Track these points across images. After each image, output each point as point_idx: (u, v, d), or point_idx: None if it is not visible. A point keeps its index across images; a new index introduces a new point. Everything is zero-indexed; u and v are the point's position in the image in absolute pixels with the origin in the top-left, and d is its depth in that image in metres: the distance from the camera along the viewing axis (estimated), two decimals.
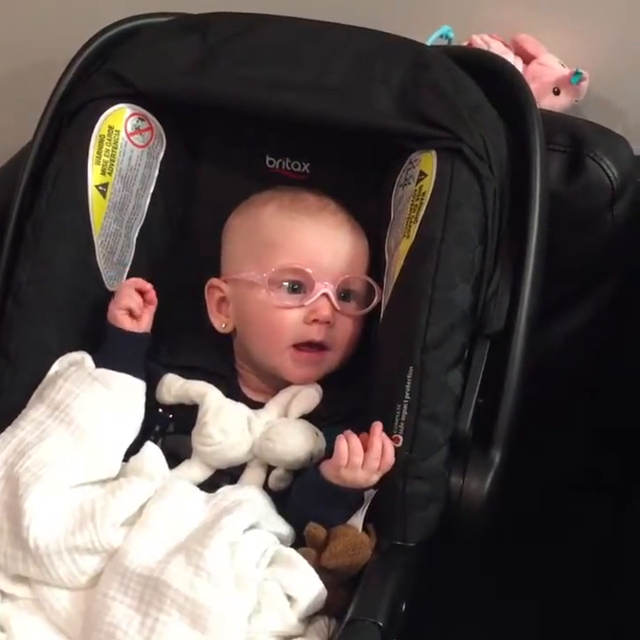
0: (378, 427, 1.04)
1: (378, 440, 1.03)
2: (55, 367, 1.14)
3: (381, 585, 0.99)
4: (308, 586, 1.00)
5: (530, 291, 1.12)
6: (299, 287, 1.15)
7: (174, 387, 1.15)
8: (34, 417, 1.08)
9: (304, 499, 1.07)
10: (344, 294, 1.17)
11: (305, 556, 1.02)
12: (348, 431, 1.05)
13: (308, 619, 1.01)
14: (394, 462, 1.04)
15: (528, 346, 1.11)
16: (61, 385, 1.10)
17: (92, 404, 1.09)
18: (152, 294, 1.17)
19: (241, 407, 1.14)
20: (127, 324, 1.16)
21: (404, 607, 1.01)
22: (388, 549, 1.04)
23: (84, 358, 1.15)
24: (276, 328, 1.15)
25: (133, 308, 1.16)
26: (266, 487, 1.11)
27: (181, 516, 1.02)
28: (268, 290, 1.15)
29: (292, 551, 1.03)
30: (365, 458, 1.03)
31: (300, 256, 1.15)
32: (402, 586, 1.01)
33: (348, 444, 1.03)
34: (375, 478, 1.04)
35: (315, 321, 1.14)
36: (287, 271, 1.15)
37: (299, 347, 1.15)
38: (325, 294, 1.15)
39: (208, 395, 1.13)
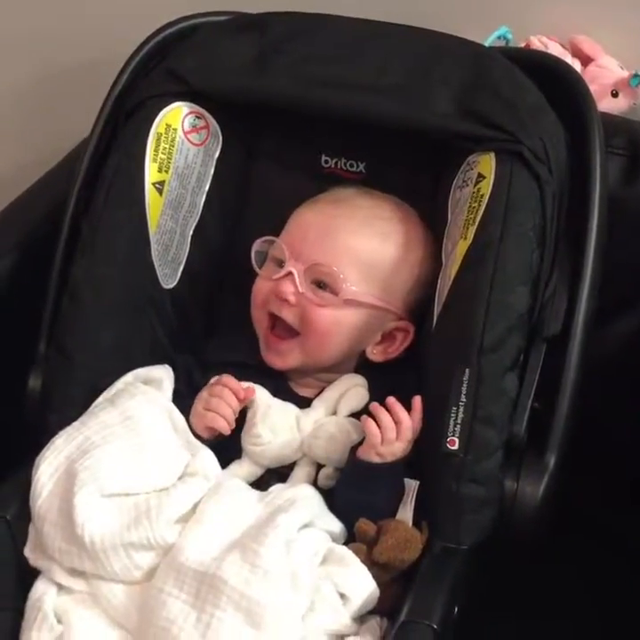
0: (391, 399, 1.08)
1: (401, 410, 1.07)
2: (129, 378, 1.13)
3: (436, 587, 0.99)
4: (361, 584, 1.00)
5: (587, 294, 1.11)
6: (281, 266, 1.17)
7: None
8: (104, 419, 1.07)
9: (346, 486, 1.08)
10: (320, 283, 1.15)
11: (355, 551, 1.02)
12: (374, 404, 1.09)
13: (361, 618, 1.01)
14: (449, 464, 1.05)
15: (585, 349, 1.10)
16: (139, 400, 1.10)
17: (162, 431, 1.09)
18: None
19: (289, 406, 1.14)
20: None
21: (456, 611, 1.00)
22: (441, 551, 1.03)
23: (163, 380, 1.14)
24: (254, 293, 1.18)
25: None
26: (315, 485, 1.11)
27: (236, 513, 1.02)
28: (253, 259, 1.19)
29: (345, 549, 1.03)
30: (399, 430, 1.07)
31: (287, 234, 1.18)
32: (455, 589, 1.00)
33: (377, 422, 1.07)
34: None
35: (278, 297, 1.15)
36: (267, 244, 1.19)
37: (272, 329, 1.17)
38: (291, 273, 1.15)
39: (255, 395, 1.14)
